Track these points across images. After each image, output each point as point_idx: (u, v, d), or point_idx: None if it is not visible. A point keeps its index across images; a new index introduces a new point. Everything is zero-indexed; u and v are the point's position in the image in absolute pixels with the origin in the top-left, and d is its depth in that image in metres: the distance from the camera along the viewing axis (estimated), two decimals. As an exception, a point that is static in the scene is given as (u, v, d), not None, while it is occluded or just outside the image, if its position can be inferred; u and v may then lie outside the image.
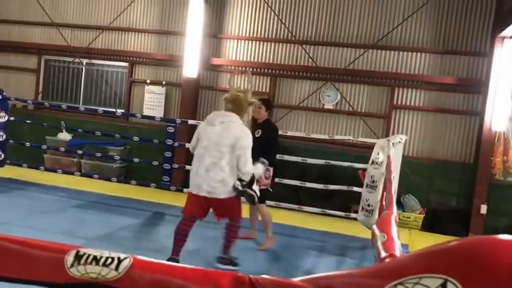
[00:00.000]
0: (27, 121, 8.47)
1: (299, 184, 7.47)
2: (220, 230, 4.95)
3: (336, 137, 7.86)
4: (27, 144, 8.14)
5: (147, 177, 8.31)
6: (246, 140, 4.38)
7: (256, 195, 4.48)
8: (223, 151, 4.30)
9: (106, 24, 9.74)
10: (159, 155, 8.14)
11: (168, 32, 9.45)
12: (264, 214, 5.56)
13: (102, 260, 0.95)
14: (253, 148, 4.58)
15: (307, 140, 8.29)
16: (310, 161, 7.42)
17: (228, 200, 4.40)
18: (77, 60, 9.93)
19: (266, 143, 5.32)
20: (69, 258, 0.96)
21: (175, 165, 7.87)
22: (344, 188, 7.22)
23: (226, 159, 4.30)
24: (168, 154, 7.95)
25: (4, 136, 7.74)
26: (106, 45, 9.81)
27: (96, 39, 9.81)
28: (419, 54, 8.35)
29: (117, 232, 5.81)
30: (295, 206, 7.40)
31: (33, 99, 9.67)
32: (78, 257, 0.96)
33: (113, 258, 0.95)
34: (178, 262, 4.37)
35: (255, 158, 4.98)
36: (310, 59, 8.74)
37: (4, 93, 7.79)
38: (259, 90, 9.00)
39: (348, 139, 7.77)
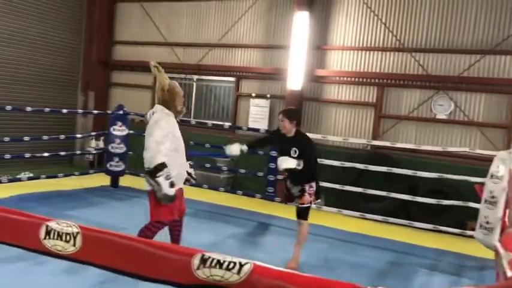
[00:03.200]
0: (144, 134, 9.09)
1: (409, 198, 7.13)
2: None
3: (450, 149, 7.39)
4: (144, 155, 8.74)
5: (252, 188, 8.50)
6: (151, 128, 4.28)
7: (158, 184, 3.94)
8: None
9: (215, 41, 10.22)
10: (263, 166, 8.29)
11: (273, 46, 9.64)
12: (302, 231, 5.02)
13: (226, 264, 0.98)
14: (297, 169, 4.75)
15: (418, 152, 7.91)
16: (421, 174, 7.06)
17: (149, 193, 4.18)
18: (188, 76, 10.54)
19: (307, 159, 4.88)
20: (195, 261, 1.00)
21: (280, 177, 7.95)
22: (459, 203, 6.75)
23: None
24: (273, 165, 8.05)
25: (125, 148, 8.41)
26: (214, 62, 10.28)
27: (205, 56, 10.33)
28: (545, 57, 7.58)
29: (225, 240, 6.00)
30: (405, 222, 7.07)
31: (149, 114, 10.40)
32: (203, 260, 1.00)
33: (235, 263, 0.98)
34: None
35: (301, 180, 4.90)
36: (420, 67, 8.36)
37: (125, 109, 8.49)
38: (366, 100, 8.80)
39: (464, 151, 7.27)
